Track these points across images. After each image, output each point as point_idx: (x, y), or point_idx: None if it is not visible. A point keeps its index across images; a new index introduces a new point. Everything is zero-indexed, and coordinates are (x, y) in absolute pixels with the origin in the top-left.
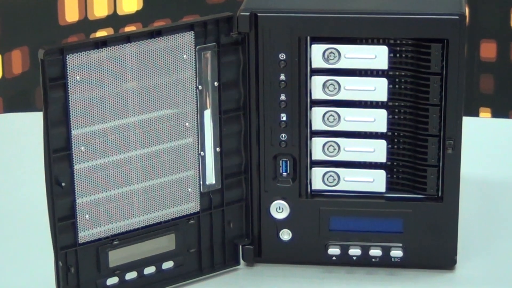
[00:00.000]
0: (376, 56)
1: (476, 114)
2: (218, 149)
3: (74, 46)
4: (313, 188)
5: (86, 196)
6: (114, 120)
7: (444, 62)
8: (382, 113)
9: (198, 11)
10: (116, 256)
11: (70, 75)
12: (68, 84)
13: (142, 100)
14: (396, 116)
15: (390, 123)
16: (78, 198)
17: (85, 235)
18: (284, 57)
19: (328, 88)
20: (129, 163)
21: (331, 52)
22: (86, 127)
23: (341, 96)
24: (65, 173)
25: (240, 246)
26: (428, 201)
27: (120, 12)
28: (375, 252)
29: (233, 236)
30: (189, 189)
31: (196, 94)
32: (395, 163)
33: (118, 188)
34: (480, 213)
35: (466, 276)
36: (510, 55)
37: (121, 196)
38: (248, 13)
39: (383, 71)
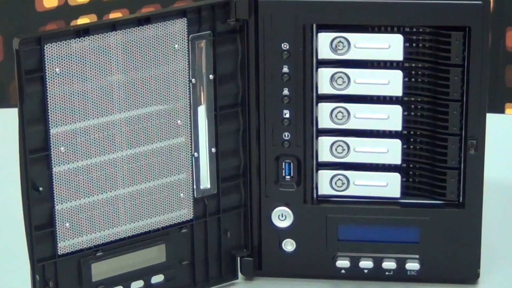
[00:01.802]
0: (390, 46)
1: (501, 110)
2: (213, 150)
3: (53, 35)
4: (319, 193)
5: (67, 202)
6: (98, 117)
7: (466, 52)
8: (397, 110)
9: None
10: (100, 269)
11: (48, 67)
12: (46, 77)
13: (128, 95)
14: (412, 113)
15: (405, 120)
16: (57, 204)
17: (65, 245)
18: (288, 47)
19: (336, 81)
20: (115, 165)
21: (340, 42)
22: (66, 125)
23: (351, 90)
24: (43, 177)
25: (238, 258)
26: (448, 208)
27: None
28: (389, 264)
29: (231, 246)
30: (181, 194)
31: (189, 88)
32: (411, 165)
33: (102, 193)
34: (505, 221)
35: None
36: None
37: (105, 202)
38: None
39: (397, 62)
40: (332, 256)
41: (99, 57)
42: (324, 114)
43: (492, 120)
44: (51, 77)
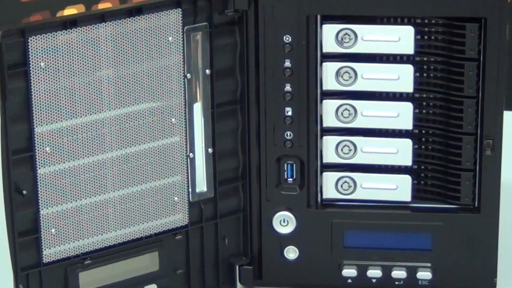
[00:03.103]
0: (400, 38)
1: None
2: (210, 150)
3: (38, 27)
4: (324, 196)
5: (52, 206)
6: (86, 115)
7: (482, 45)
8: (407, 107)
9: None
10: (88, 278)
11: (32, 61)
12: (31, 72)
13: (119, 92)
14: (424, 111)
15: (416, 118)
16: (42, 209)
17: (50, 253)
18: (290, 40)
19: (342, 76)
20: (104, 167)
21: (346, 34)
22: (52, 123)
23: (358, 86)
24: (26, 179)
25: (237, 266)
26: (462, 212)
27: None
28: (399, 273)
29: (229, 254)
30: (176, 198)
31: (184, 84)
32: (422, 167)
33: (90, 197)
34: None
35: None
36: None
37: (94, 206)
38: None
39: (408, 56)
40: (337, 265)
41: (87, 51)
42: (329, 112)
43: (509, 118)
44: (35, 72)
